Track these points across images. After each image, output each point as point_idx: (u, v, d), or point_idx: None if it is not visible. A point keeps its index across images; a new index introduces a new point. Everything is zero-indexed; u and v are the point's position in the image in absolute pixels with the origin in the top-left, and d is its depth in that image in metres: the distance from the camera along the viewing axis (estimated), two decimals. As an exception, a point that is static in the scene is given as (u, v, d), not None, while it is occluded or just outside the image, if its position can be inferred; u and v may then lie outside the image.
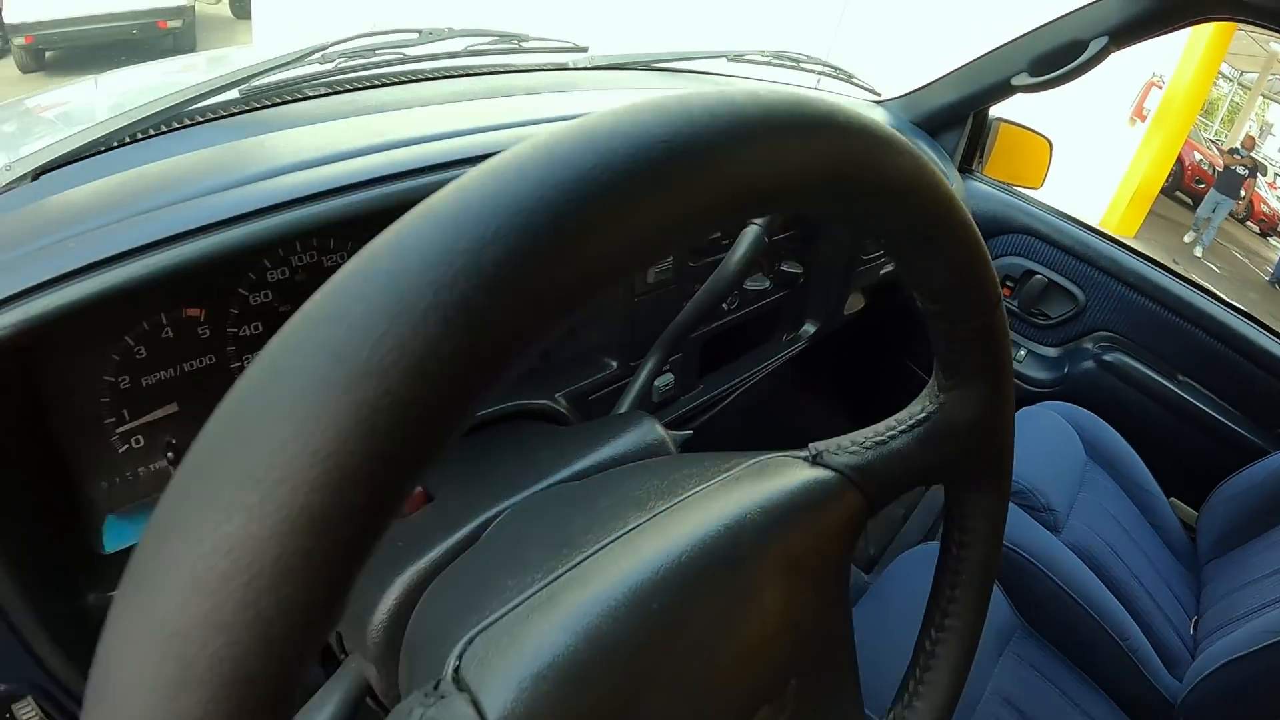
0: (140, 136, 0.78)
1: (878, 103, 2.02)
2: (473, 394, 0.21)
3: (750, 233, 0.95)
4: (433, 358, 0.20)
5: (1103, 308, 1.94)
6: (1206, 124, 16.98)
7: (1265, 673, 1.16)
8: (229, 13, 10.70)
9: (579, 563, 0.41)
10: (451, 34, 1.10)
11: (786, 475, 0.47)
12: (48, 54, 8.48)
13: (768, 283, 1.19)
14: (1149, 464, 1.80)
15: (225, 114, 0.86)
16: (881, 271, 1.57)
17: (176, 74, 1.49)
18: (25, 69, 8.39)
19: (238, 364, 0.76)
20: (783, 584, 0.44)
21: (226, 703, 0.18)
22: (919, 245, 0.40)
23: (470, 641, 0.38)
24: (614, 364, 1.01)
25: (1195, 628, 1.50)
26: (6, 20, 8.02)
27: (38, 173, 0.70)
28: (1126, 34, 1.64)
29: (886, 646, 1.13)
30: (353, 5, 5.62)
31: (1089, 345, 1.95)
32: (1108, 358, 1.92)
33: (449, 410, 0.20)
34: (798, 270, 1.23)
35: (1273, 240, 15.29)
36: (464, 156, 0.78)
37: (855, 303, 1.34)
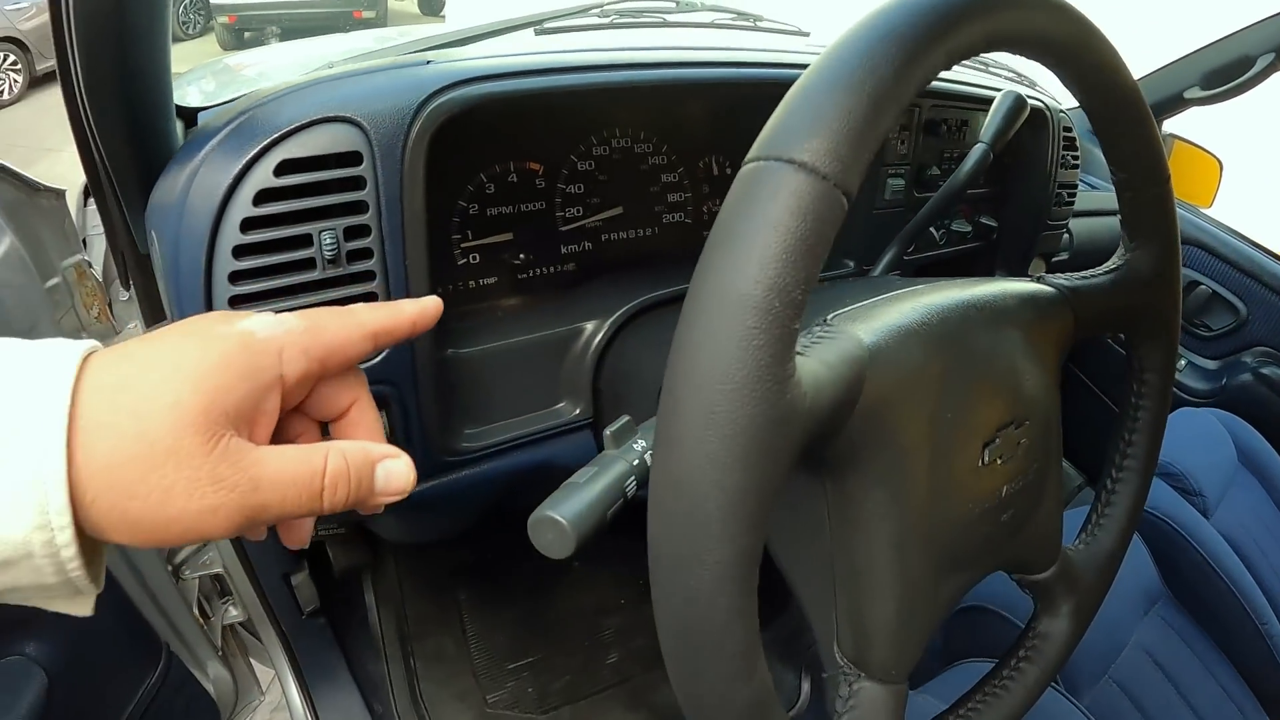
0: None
1: (1062, 111, 2.10)
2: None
3: (977, 150, 1.09)
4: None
5: (1264, 322, 1.97)
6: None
7: None
8: (416, 9, 11.25)
9: (903, 294, 0.56)
10: (702, 6, 1.26)
11: (1022, 284, 0.63)
12: (246, 34, 9.15)
13: (969, 228, 1.32)
14: None
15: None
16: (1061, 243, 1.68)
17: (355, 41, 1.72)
18: (225, 46, 9.19)
19: (561, 214, 0.98)
20: (1017, 351, 0.58)
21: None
22: (1115, 117, 0.58)
23: (837, 313, 0.52)
24: (851, 264, 1.18)
25: None
26: (213, 0, 8.72)
27: (427, 46, 0.94)
28: (1293, 52, 1.70)
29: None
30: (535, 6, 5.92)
31: (1248, 359, 1.99)
32: (1265, 371, 1.95)
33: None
34: (993, 224, 1.35)
35: None
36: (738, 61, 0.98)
37: (1038, 267, 1.44)
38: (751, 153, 0.38)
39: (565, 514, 0.52)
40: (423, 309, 0.51)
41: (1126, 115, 0.58)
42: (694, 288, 0.37)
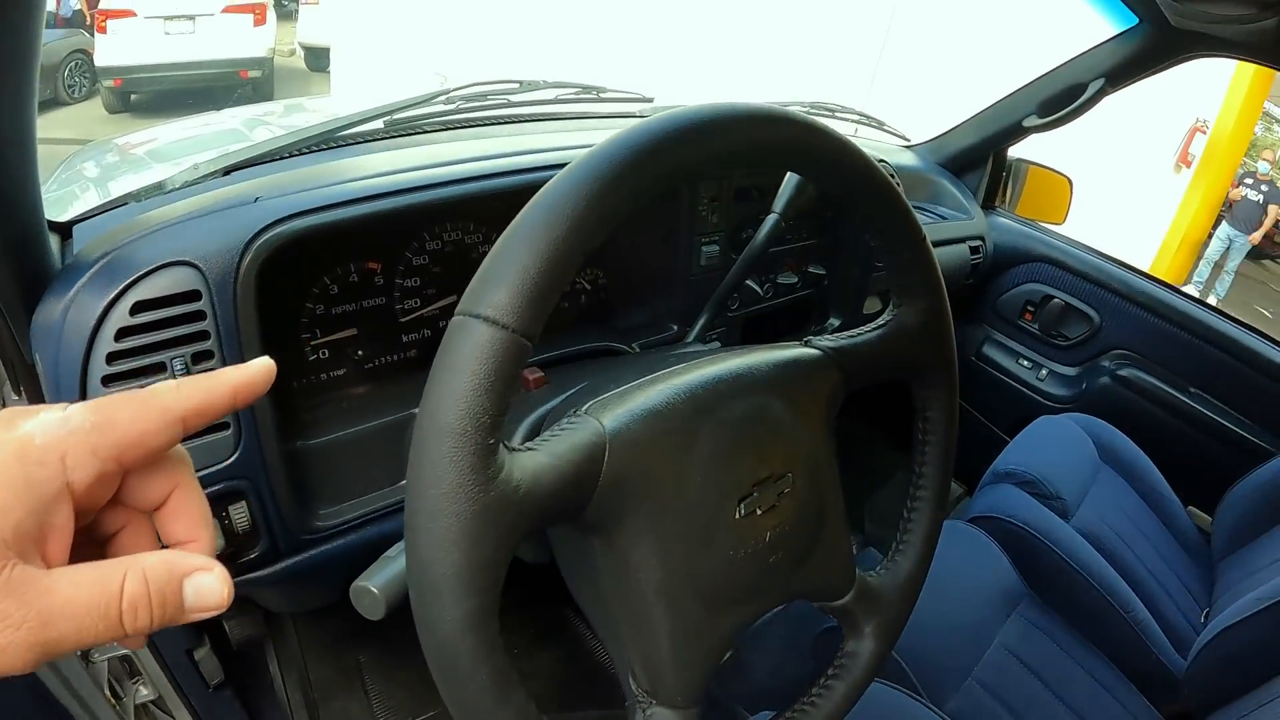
0: (304, 152, 1.08)
1: (907, 147, 2.25)
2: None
3: (769, 220, 1.20)
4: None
5: (1117, 327, 2.10)
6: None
7: (1258, 636, 1.29)
8: (303, 65, 11.26)
9: (658, 376, 0.64)
10: (545, 85, 1.36)
11: (787, 349, 0.72)
12: (133, 97, 9.06)
13: (796, 279, 1.43)
14: (1166, 472, 1.95)
15: (370, 139, 1.15)
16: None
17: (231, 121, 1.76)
18: (111, 110, 9.00)
19: (400, 306, 1.08)
20: (782, 410, 0.67)
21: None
22: (857, 196, 0.68)
23: (592, 403, 0.60)
24: (675, 327, 1.28)
25: (1206, 618, 1.64)
26: (98, 64, 8.65)
27: (229, 169, 1.00)
28: (1120, 75, 1.85)
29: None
30: (419, 63, 6.06)
31: (1106, 363, 2.12)
32: (1123, 373, 2.08)
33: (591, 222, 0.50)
34: (822, 272, 1.46)
35: None
36: (547, 164, 1.07)
37: (872, 305, 1.55)
38: (459, 306, 0.48)
39: (376, 583, 0.62)
40: (249, 376, 0.46)
41: (868, 192, 0.68)
42: (417, 418, 0.47)
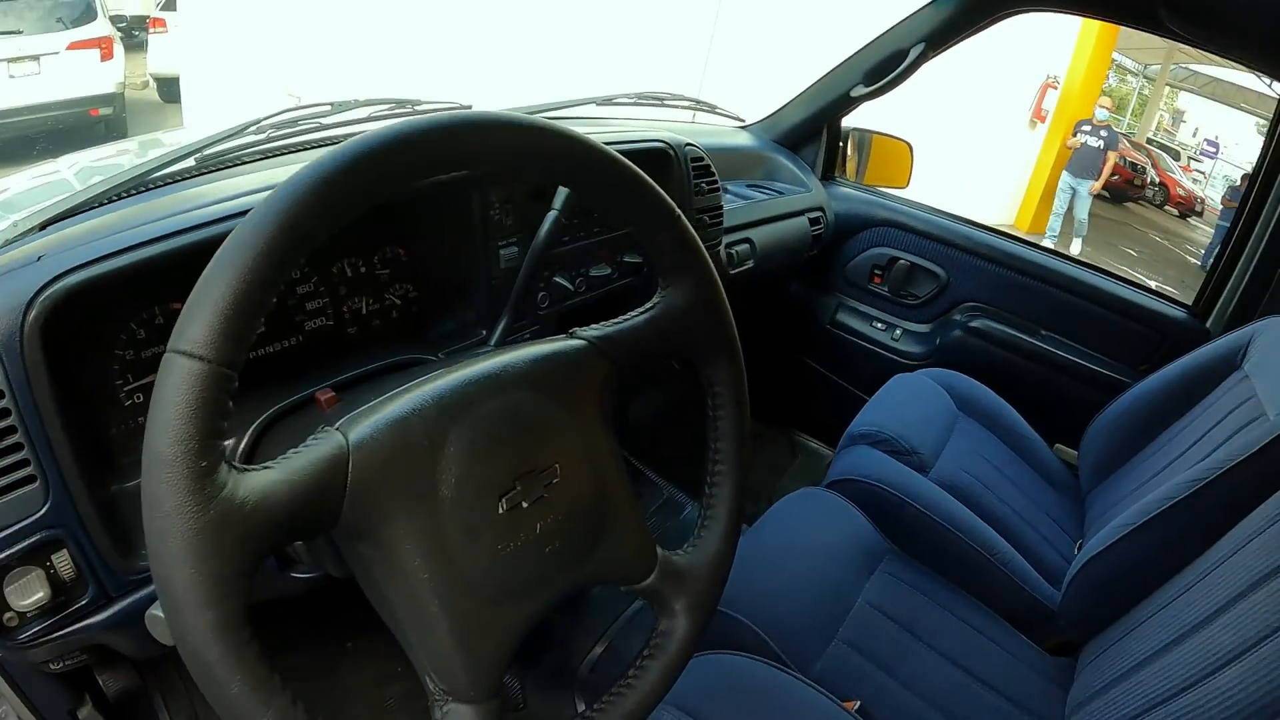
0: (118, 198, 1.03)
1: (743, 127, 2.29)
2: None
3: (549, 218, 1.21)
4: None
5: (964, 281, 2.18)
6: (1121, 119, 17.54)
7: (1124, 560, 1.34)
8: (157, 97, 10.82)
9: (409, 386, 0.65)
10: (357, 104, 1.33)
11: (549, 344, 0.72)
12: None
13: (609, 269, 1.43)
14: (1027, 413, 2.02)
15: (183, 178, 1.11)
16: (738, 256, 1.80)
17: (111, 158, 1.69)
18: None
19: None
20: (542, 404, 0.68)
21: None
22: (601, 184, 0.68)
23: (344, 419, 0.61)
24: (484, 332, 1.26)
25: (1079, 549, 1.69)
26: (-58, 115, 8.13)
27: (44, 224, 0.96)
28: (939, 38, 1.91)
29: (763, 572, 1.34)
30: (269, 86, 5.91)
31: (957, 316, 2.19)
32: (974, 324, 2.15)
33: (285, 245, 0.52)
34: (638, 260, 1.46)
35: (1192, 220, 15.94)
36: None
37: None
38: (168, 344, 0.50)
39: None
40: None
41: (610, 180, 0.69)
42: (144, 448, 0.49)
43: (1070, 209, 9.53)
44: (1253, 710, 0.91)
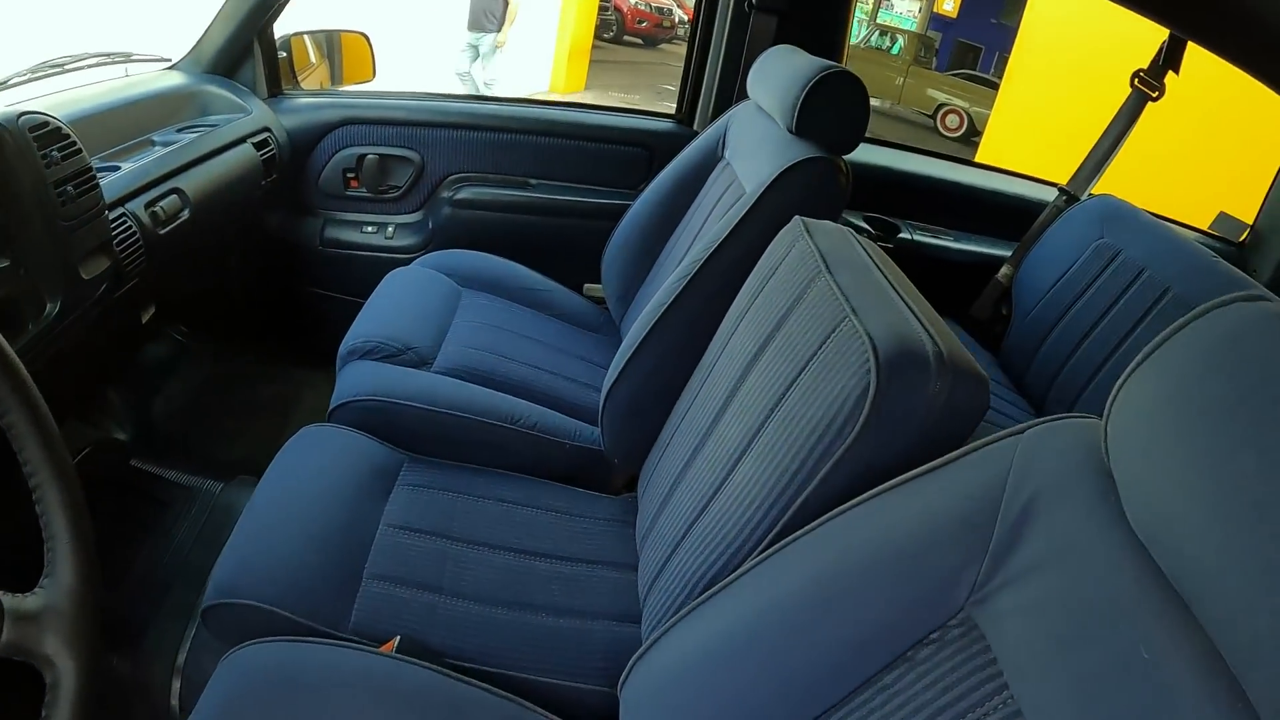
0: None
1: (170, 67, 1.95)
2: None
3: None
4: None
5: (440, 157, 2.04)
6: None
7: (639, 376, 1.30)
8: None
9: None
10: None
11: None
12: None
13: None
14: (546, 267, 1.95)
15: None
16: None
17: None
18: None
19: None
20: None
21: None
22: None
23: None
24: None
25: None
26: None
27: None
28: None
29: (264, 539, 1.14)
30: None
31: (444, 194, 2.04)
32: (461, 196, 2.01)
33: None
34: (6, 263, 1.14)
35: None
36: None
37: (99, 263, 1.27)
38: None
39: None
40: None
41: None
42: None
43: (473, 71, 7.96)
44: (773, 500, 0.85)
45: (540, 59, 9.48)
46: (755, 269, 1.15)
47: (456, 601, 1.12)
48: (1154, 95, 1.98)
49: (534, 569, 1.20)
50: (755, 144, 1.51)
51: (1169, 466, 0.50)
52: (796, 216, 1.12)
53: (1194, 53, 1.93)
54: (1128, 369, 0.56)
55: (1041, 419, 0.67)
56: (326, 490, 1.21)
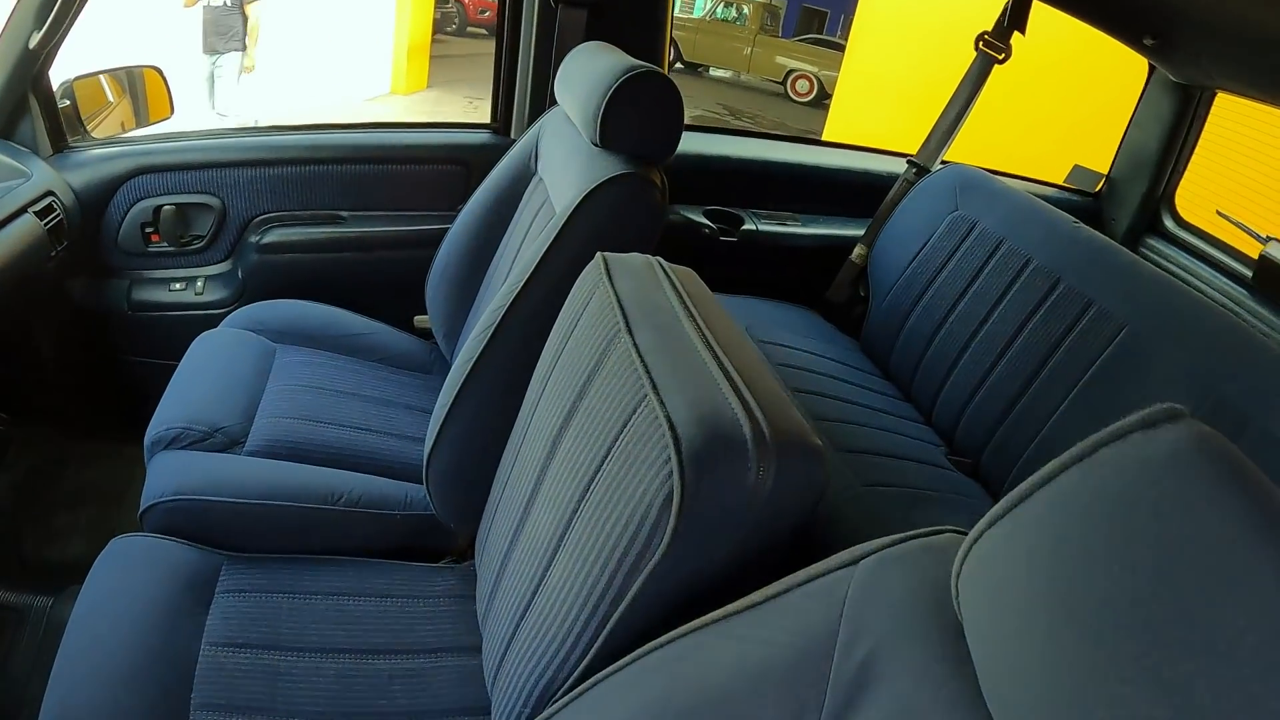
0: None
1: None
2: None
3: None
4: None
5: (240, 198, 1.85)
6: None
7: (461, 435, 1.19)
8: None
9: None
10: None
11: None
12: None
13: None
14: (367, 307, 1.81)
15: None
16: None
17: None
18: None
19: None
20: None
21: None
22: None
23: None
24: None
25: None
26: None
27: None
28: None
29: (78, 687, 0.97)
30: None
31: (251, 238, 1.86)
32: (267, 240, 1.84)
33: None
34: None
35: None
36: None
37: None
38: None
39: None
40: None
41: None
42: None
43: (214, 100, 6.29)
44: (585, 619, 0.75)
45: (377, 60, 9.08)
46: (559, 317, 1.04)
47: (292, 721, 0.99)
48: (1000, 58, 1.96)
49: (371, 670, 1.07)
50: (564, 158, 1.39)
51: (1008, 642, 0.42)
52: (598, 254, 1.01)
53: (1039, 10, 1.92)
54: (990, 512, 0.46)
55: (876, 544, 0.57)
56: (139, 615, 1.06)
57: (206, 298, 1.87)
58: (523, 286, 1.15)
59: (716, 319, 0.88)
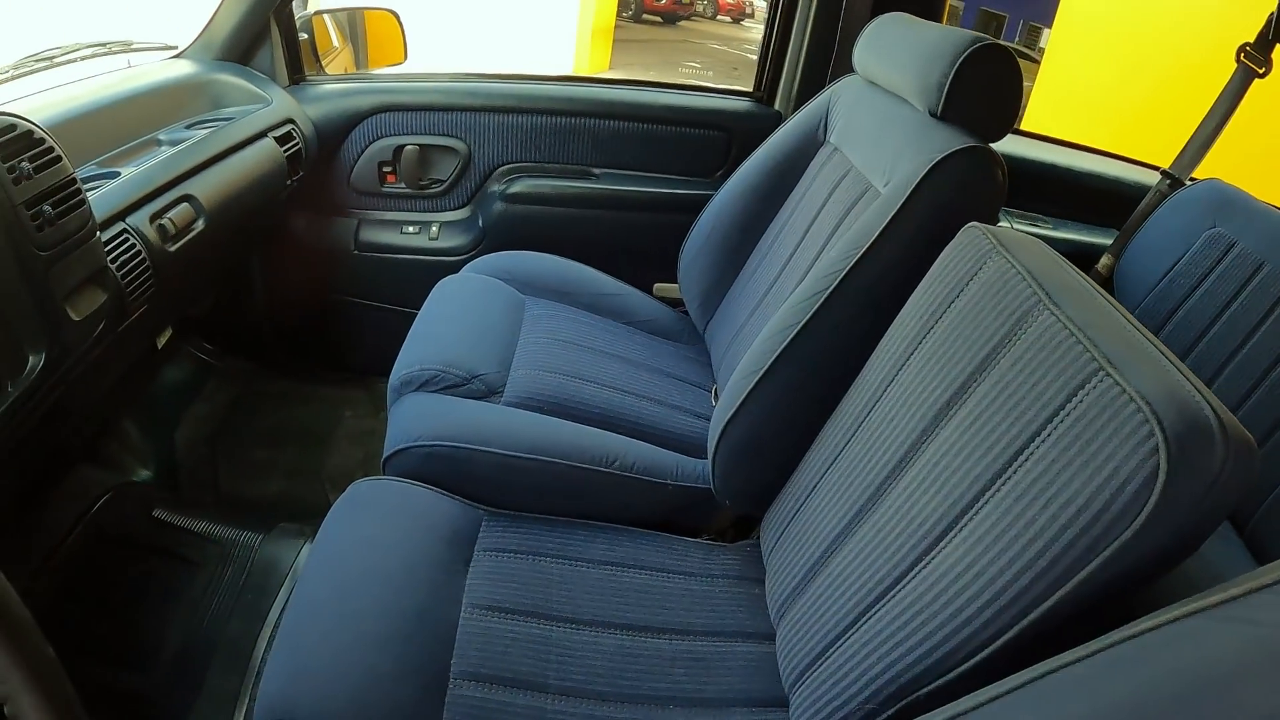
0: None
1: (177, 55, 1.71)
2: None
3: None
4: None
5: (489, 145, 1.81)
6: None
7: (762, 414, 1.10)
8: None
9: None
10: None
11: None
12: None
13: None
14: (613, 267, 1.73)
15: None
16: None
17: None
18: None
19: None
20: None
21: None
22: None
23: None
24: None
25: (716, 396, 1.45)
26: None
27: None
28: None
29: (317, 645, 0.90)
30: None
31: (494, 187, 1.82)
32: (514, 189, 1.80)
33: None
34: None
35: (746, 23, 17.13)
36: None
37: (93, 298, 1.05)
38: None
39: None
40: None
41: None
42: None
43: None
44: (1009, 597, 0.67)
45: (561, 40, 9.17)
46: (922, 288, 0.94)
47: (566, 702, 0.91)
48: (1261, 71, 1.78)
49: (651, 650, 0.99)
50: (877, 128, 1.28)
51: None
52: (973, 223, 0.92)
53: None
54: None
55: None
56: (393, 568, 0.99)
57: (441, 243, 1.84)
58: (859, 259, 1.04)
59: (1121, 307, 0.78)
